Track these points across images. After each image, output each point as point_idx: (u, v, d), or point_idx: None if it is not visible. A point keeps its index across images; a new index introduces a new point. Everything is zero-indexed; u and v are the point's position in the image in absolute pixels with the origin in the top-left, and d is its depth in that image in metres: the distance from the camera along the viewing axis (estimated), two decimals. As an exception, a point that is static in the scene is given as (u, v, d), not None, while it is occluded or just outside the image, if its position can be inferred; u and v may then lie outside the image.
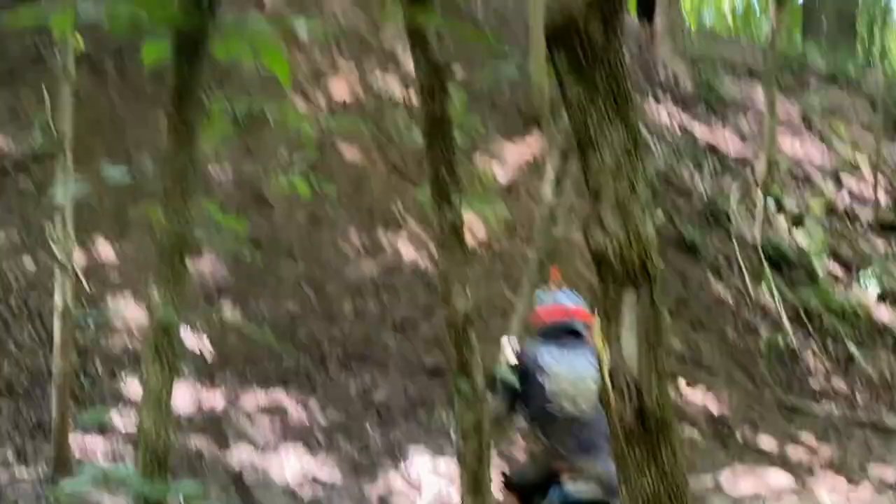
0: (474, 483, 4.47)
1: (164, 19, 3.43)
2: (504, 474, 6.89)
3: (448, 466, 11.60)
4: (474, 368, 4.49)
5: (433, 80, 4.65)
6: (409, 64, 18.04)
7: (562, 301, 7.21)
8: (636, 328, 3.42)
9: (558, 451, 6.55)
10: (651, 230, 3.46)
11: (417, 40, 4.71)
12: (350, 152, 16.50)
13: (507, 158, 18.15)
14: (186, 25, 3.51)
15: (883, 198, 20.99)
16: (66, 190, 10.52)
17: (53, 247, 11.32)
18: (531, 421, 6.81)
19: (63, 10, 3.62)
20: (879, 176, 20.96)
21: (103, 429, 11.58)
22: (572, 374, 6.58)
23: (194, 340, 12.92)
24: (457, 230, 4.57)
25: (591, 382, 6.50)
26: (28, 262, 12.87)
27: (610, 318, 3.43)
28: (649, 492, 3.48)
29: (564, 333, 6.88)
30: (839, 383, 16.81)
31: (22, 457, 10.90)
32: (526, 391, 6.56)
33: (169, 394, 3.62)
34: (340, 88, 18.09)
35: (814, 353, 17.09)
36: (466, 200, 4.84)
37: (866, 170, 21.76)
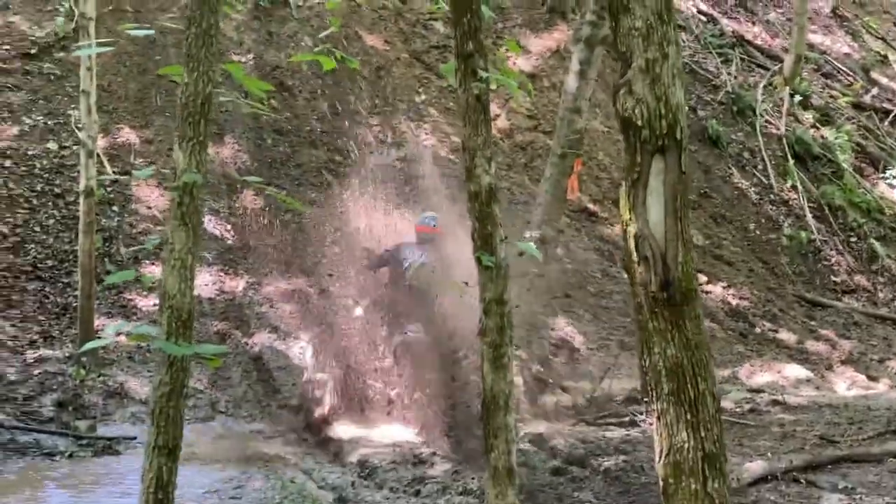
0: (496, 355, 4.47)
1: None
2: None
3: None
4: (497, 242, 4.47)
5: (460, -49, 4.57)
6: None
7: (428, 222, 11.33)
8: (663, 195, 3.39)
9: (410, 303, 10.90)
10: (681, 96, 3.41)
11: None
12: (372, 40, 16.37)
13: (531, 49, 17.96)
14: None
15: (913, 94, 20.74)
16: (89, 73, 10.48)
17: (77, 132, 11.34)
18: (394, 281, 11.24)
19: None
20: (910, 72, 20.67)
21: (127, 312, 11.70)
22: (422, 261, 10.92)
23: (218, 227, 12.97)
24: (482, 103, 4.52)
25: (424, 268, 10.81)
26: (53, 146, 12.88)
27: (637, 185, 3.40)
28: (673, 361, 3.48)
29: (424, 241, 11.18)
30: (861, 279, 16.80)
31: (48, 338, 11.02)
32: (394, 269, 11.19)
33: (193, 257, 3.61)
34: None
35: (836, 248, 17.04)
36: (492, 74, 4.79)
37: (897, 66, 21.50)
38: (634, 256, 3.49)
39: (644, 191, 3.44)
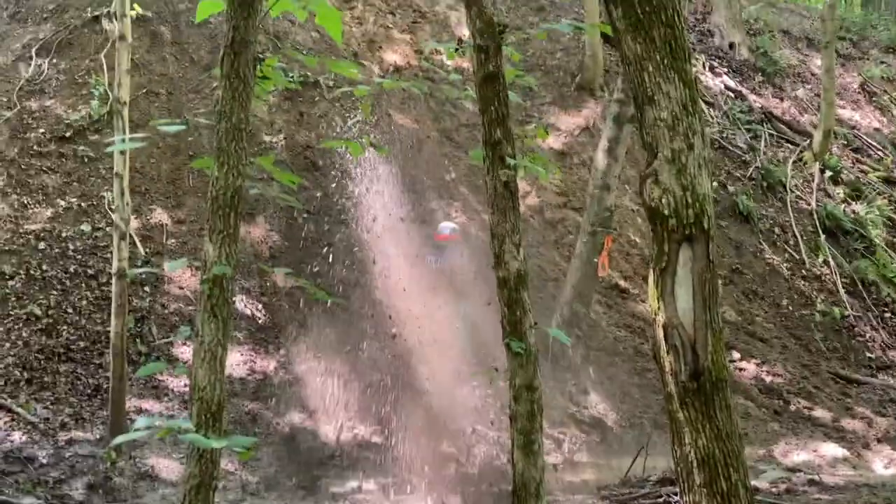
0: (526, 442, 4.46)
1: (219, -26, 3.43)
2: None
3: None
4: (527, 328, 4.48)
5: (488, 40, 4.63)
6: (462, 32, 18.01)
7: (445, 231, 13.22)
8: (691, 284, 3.40)
9: None
10: (707, 186, 3.43)
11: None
12: (403, 120, 16.51)
13: (561, 126, 18.07)
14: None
15: (942, 169, 20.66)
16: (123, 156, 10.61)
17: (111, 213, 11.47)
18: None
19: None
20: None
21: (158, 393, 11.72)
22: (437, 266, 12.90)
23: (249, 306, 13.03)
24: (510, 190, 4.55)
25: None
26: (86, 227, 13.01)
27: (665, 274, 3.41)
28: (704, 452, 3.45)
29: (440, 246, 13.09)
30: (896, 355, 16.64)
31: (79, 419, 11.05)
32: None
33: (223, 349, 3.63)
34: (394, 56, 18.11)
35: (870, 324, 16.89)
36: (520, 161, 4.82)
37: (926, 140, 21.44)
38: (663, 345, 3.49)
39: (672, 279, 3.44)
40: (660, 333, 3.47)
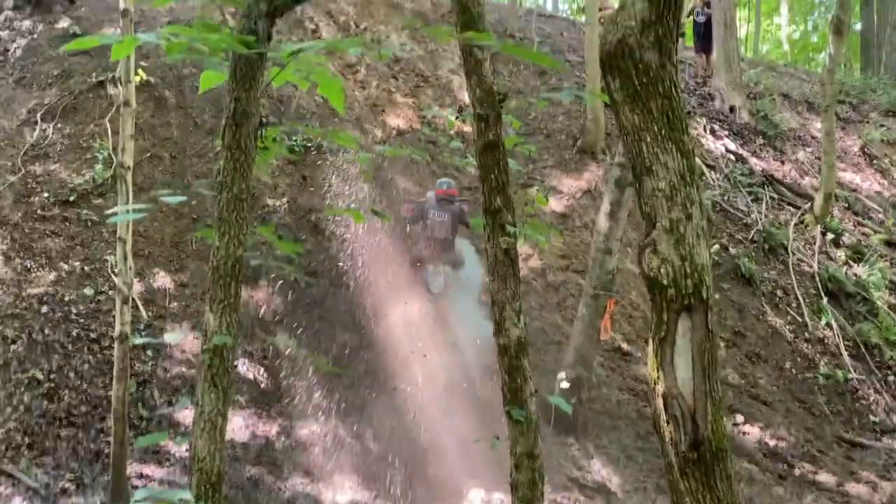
0: (528, 511, 4.44)
1: (221, 45, 3.47)
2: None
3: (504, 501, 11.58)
4: (527, 396, 4.48)
5: (488, 109, 4.67)
6: (464, 97, 18.16)
7: (443, 186, 14.43)
8: (690, 354, 3.40)
9: (431, 251, 14.18)
10: (706, 256, 3.45)
11: (473, 67, 4.73)
12: (406, 184, 16.60)
13: (563, 189, 18.17)
14: (243, 51, 3.55)
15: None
16: (125, 221, 10.65)
17: (113, 276, 11.48)
18: (425, 238, 14.24)
19: (124, 37, 3.65)
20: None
21: (160, 458, 11.66)
22: (440, 219, 14.15)
23: (251, 370, 13.00)
24: (510, 256, 4.57)
25: (445, 224, 14.18)
26: (89, 291, 13.03)
27: (664, 344, 3.41)
28: (705, 522, 3.45)
29: (442, 200, 14.27)
30: (900, 419, 16.56)
31: (80, 485, 10.98)
32: (423, 223, 14.26)
33: (223, 418, 3.63)
34: (397, 120, 18.24)
35: (874, 387, 16.83)
36: (520, 228, 4.84)
37: (927, 203, 21.51)
38: (663, 415, 3.48)
39: (671, 349, 3.45)
40: (660, 403, 3.47)
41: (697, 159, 19.70)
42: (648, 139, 3.46)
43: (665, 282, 3.39)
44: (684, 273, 3.38)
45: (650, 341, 3.54)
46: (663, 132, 3.46)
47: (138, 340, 11.44)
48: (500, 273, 4.57)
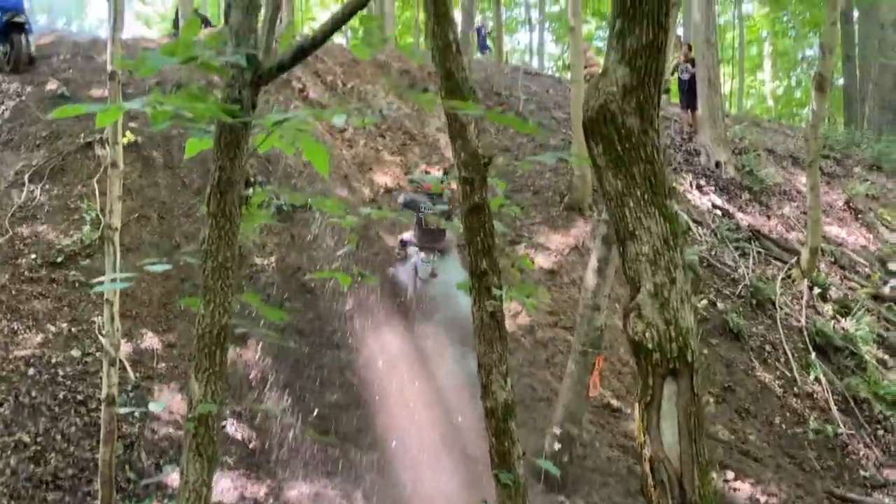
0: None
1: (206, 114, 3.49)
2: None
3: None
4: (515, 459, 4.46)
5: (473, 172, 4.69)
6: (451, 155, 18.25)
7: (430, 181, 14.97)
8: (676, 418, 3.41)
9: (423, 239, 15.04)
10: (690, 320, 3.46)
11: (458, 131, 4.76)
12: (392, 241, 16.63)
13: (550, 245, 18.22)
14: (228, 120, 3.57)
15: (930, 284, 20.79)
16: (113, 282, 10.63)
17: (101, 338, 11.44)
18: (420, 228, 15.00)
19: (110, 106, 3.67)
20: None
21: (147, 522, 11.57)
22: (433, 211, 14.65)
23: (239, 430, 12.93)
24: (496, 319, 4.57)
25: (434, 214, 14.57)
26: (76, 353, 12.98)
27: (650, 408, 3.42)
28: (693, 588, 3.43)
29: (432, 195, 14.97)
30: (890, 473, 16.49)
31: (66, 550, 10.89)
32: (417, 216, 14.85)
33: (208, 488, 3.61)
34: (384, 178, 18.32)
35: (864, 441, 16.81)
36: (507, 290, 4.85)
37: (913, 256, 21.62)
38: (650, 480, 3.47)
39: (657, 413, 3.45)
40: (647, 468, 3.46)
41: (684, 214, 19.82)
42: (631, 204, 3.49)
43: (650, 346, 3.40)
44: (669, 337, 3.39)
45: (636, 405, 3.54)
46: (646, 197, 3.48)
47: (123, 410, 11.39)
48: (487, 336, 4.57)
